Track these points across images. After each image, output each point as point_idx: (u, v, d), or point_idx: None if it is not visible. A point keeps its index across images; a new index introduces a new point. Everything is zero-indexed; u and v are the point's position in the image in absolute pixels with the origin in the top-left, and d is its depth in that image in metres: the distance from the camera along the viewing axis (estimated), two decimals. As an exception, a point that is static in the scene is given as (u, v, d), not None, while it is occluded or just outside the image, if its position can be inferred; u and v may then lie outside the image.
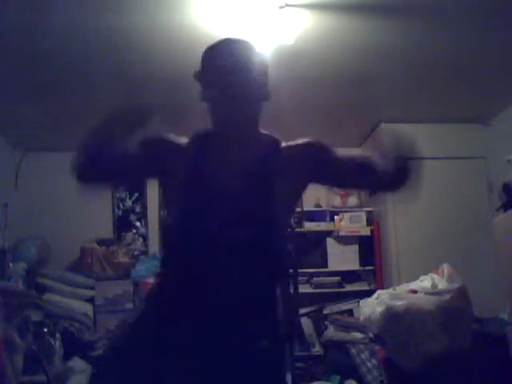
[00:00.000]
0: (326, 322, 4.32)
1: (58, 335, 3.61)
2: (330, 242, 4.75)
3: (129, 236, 4.92)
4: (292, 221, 3.96)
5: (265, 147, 1.55)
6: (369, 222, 4.84)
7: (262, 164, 1.50)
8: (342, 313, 4.42)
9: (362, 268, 4.69)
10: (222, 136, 1.54)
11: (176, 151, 1.53)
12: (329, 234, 4.78)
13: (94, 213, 4.72)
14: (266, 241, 1.46)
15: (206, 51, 1.54)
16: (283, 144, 1.58)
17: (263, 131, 1.59)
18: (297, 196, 1.65)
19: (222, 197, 1.45)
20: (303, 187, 1.61)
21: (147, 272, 4.26)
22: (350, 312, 4.45)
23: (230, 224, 1.42)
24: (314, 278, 4.66)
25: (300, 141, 1.59)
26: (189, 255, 1.46)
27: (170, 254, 1.55)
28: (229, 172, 1.48)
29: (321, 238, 4.77)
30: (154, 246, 4.88)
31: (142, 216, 4.97)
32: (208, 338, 1.41)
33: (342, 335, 3.88)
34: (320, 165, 1.57)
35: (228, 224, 1.42)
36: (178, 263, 1.49)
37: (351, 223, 4.81)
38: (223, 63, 1.50)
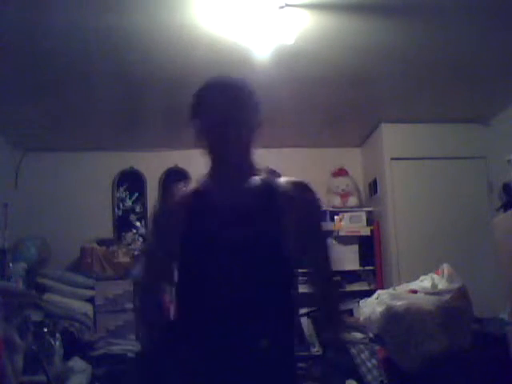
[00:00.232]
0: (326, 322, 4.31)
1: (58, 335, 3.61)
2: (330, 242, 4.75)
3: (129, 236, 4.91)
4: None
5: (260, 184, 1.58)
6: (369, 222, 4.84)
7: (257, 202, 1.55)
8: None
9: (361, 268, 4.69)
10: (218, 175, 1.58)
11: (179, 209, 1.57)
12: (329, 234, 4.78)
13: (94, 213, 4.74)
14: (268, 259, 1.52)
15: (199, 89, 1.60)
16: (279, 179, 1.62)
17: (259, 166, 1.62)
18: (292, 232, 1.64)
19: (224, 224, 1.50)
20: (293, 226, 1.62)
21: (147, 272, 4.25)
22: (350, 312, 4.45)
23: (232, 238, 1.48)
24: (314, 278, 4.65)
25: (298, 183, 1.64)
26: (197, 262, 1.51)
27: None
28: (227, 209, 1.52)
29: (321, 237, 4.76)
30: (154, 246, 4.88)
31: (142, 216, 4.96)
32: (209, 338, 1.44)
33: (341, 335, 3.87)
34: (301, 218, 1.60)
35: (230, 238, 1.48)
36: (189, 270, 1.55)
37: (351, 223, 4.81)
38: (218, 92, 1.56)
